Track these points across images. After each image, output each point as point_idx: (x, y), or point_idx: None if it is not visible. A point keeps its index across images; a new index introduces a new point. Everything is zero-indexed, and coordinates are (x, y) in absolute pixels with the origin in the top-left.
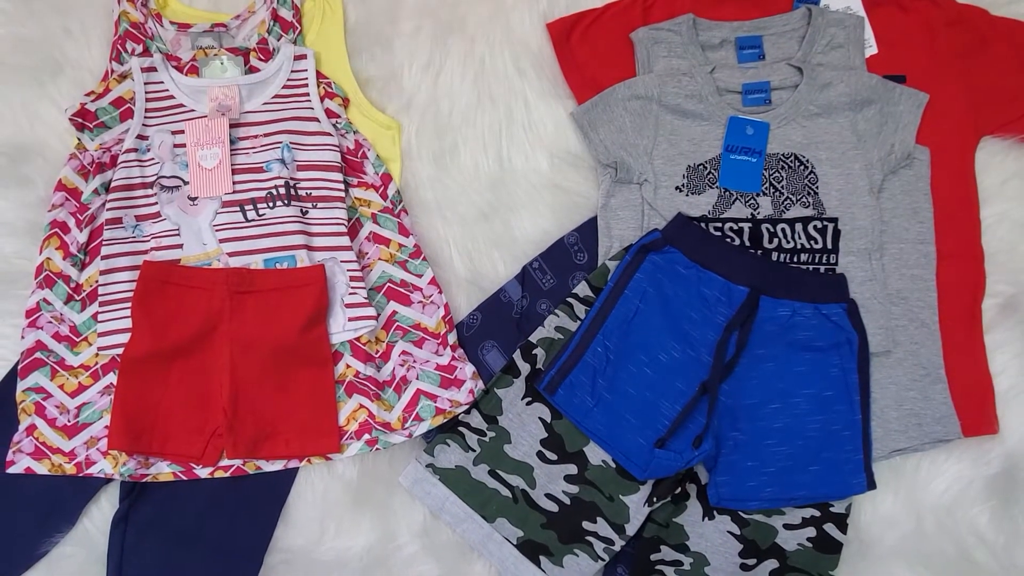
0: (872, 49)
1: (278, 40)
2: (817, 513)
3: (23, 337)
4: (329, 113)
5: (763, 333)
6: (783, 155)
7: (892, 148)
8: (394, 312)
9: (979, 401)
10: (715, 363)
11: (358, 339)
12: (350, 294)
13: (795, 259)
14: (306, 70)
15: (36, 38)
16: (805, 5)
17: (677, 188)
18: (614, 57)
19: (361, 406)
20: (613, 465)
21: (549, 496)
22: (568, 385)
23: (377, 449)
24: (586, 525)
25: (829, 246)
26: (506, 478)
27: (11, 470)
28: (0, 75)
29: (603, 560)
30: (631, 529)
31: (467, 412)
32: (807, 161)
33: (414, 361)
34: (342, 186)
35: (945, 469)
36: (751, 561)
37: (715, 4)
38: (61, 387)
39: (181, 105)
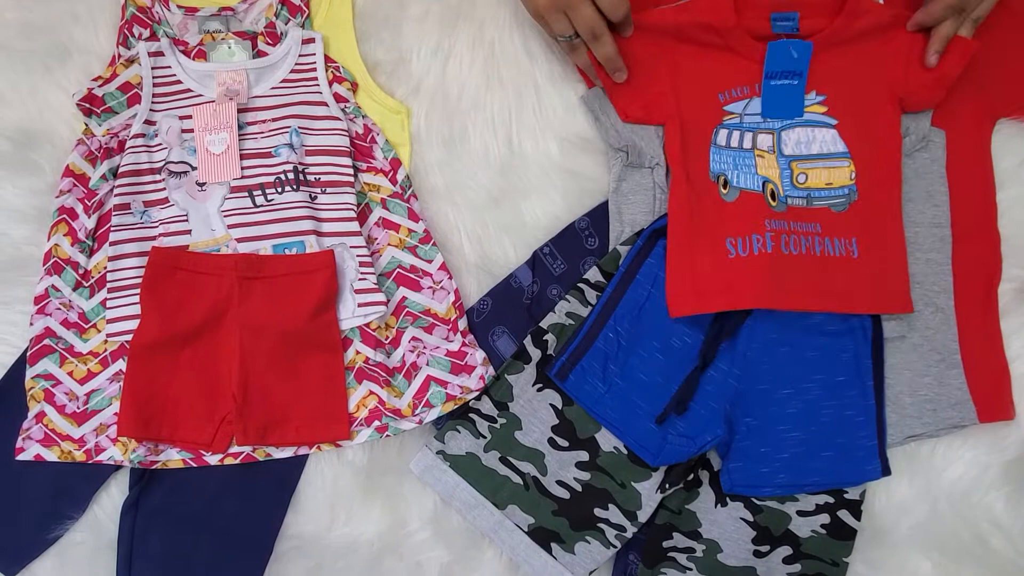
0: None
1: (286, 24)
2: (831, 499)
3: (32, 324)
4: (338, 97)
5: (777, 318)
6: None
7: (907, 131)
8: (404, 298)
9: (995, 386)
10: (709, 335)
11: (368, 325)
12: (359, 280)
13: None
14: (314, 54)
15: (43, 23)
16: None
17: None
18: None
19: (371, 392)
20: (625, 451)
21: (560, 483)
22: (579, 371)
23: (387, 436)
24: (598, 512)
25: None
26: (517, 465)
27: (21, 457)
28: (8, 61)
29: (615, 547)
30: (643, 516)
31: (478, 398)
32: None
33: (424, 347)
34: (351, 171)
35: (961, 455)
36: (764, 548)
37: None
38: (70, 374)
39: (189, 90)
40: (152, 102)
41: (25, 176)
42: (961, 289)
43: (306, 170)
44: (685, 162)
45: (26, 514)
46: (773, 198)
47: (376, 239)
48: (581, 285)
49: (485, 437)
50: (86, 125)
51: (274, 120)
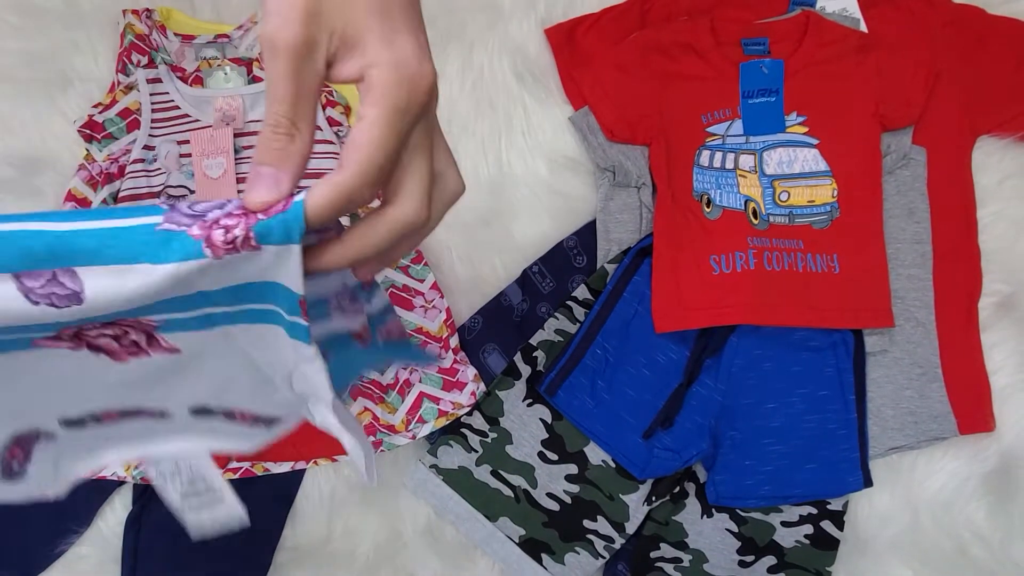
0: None
1: None
2: (814, 511)
3: None
4: (331, 122)
5: (761, 334)
6: None
7: (888, 149)
8: None
9: (975, 399)
10: (694, 352)
11: None
12: None
13: None
14: None
15: (45, 52)
16: (801, 7)
17: None
18: None
19: (366, 409)
20: (613, 465)
21: (550, 495)
22: (568, 387)
23: (382, 451)
24: (587, 523)
25: None
26: (508, 478)
27: None
28: (11, 89)
29: (603, 557)
30: (631, 527)
31: (469, 414)
32: None
33: (417, 364)
34: None
35: (942, 466)
36: (749, 558)
37: (712, 6)
38: None
39: (186, 116)
40: (151, 128)
41: (29, 201)
42: (942, 304)
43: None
44: (670, 181)
45: (32, 529)
46: (755, 216)
47: None
48: (569, 303)
49: (477, 451)
50: (87, 151)
51: None
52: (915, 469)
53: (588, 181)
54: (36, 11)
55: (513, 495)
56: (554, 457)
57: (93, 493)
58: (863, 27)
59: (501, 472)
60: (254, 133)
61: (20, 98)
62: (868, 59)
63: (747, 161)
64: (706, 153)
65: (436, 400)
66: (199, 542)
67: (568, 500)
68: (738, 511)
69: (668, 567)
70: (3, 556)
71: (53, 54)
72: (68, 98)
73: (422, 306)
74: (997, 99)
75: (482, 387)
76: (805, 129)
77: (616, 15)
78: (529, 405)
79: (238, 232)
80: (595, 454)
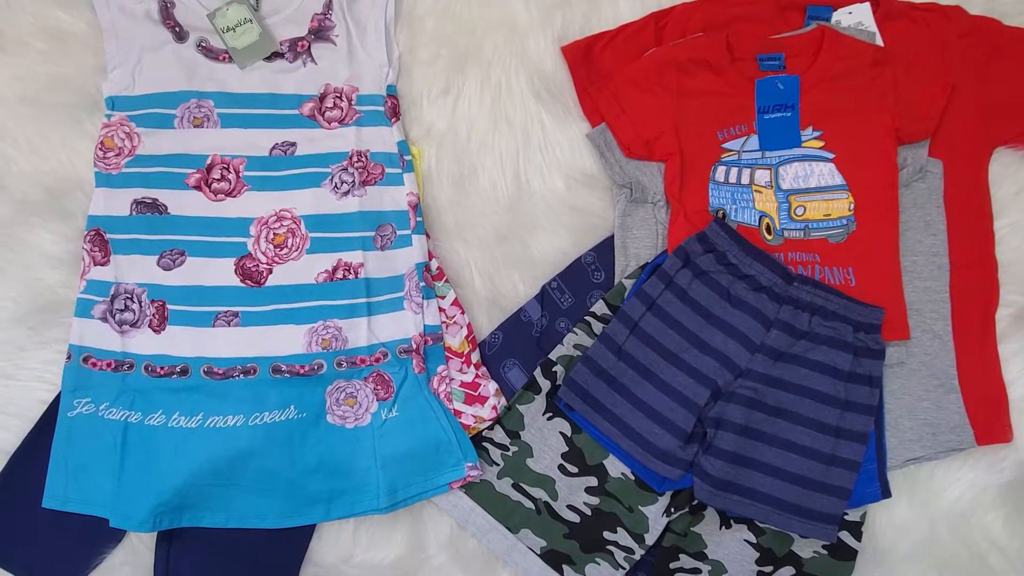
0: None
1: None
2: None
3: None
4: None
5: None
6: None
7: (904, 162)
8: None
9: (992, 410)
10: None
11: None
12: None
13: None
14: None
15: (72, 76)
16: (817, 22)
17: None
18: None
19: None
20: (632, 477)
21: (571, 507)
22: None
23: None
24: (607, 535)
25: None
26: (529, 491)
27: None
28: (40, 112)
29: (623, 569)
30: (650, 539)
31: (491, 428)
32: None
33: None
34: None
35: (959, 477)
36: (768, 568)
37: (726, 23)
38: None
39: None
40: None
41: (58, 223)
42: (959, 316)
43: None
44: (684, 198)
45: (68, 543)
46: (768, 232)
47: None
48: (588, 318)
49: (498, 464)
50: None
51: None
52: (932, 480)
53: (605, 197)
54: (62, 35)
55: (534, 507)
56: (574, 470)
57: None
58: (879, 41)
59: (522, 485)
60: None
61: (48, 121)
62: (884, 73)
63: (763, 176)
64: (722, 169)
65: (459, 414)
66: (229, 557)
67: (588, 512)
68: (756, 522)
69: None
70: (42, 567)
71: (79, 78)
72: (95, 121)
73: (444, 322)
74: (1014, 110)
75: (503, 401)
76: (821, 143)
77: (632, 32)
78: (549, 419)
79: None
80: (614, 466)
